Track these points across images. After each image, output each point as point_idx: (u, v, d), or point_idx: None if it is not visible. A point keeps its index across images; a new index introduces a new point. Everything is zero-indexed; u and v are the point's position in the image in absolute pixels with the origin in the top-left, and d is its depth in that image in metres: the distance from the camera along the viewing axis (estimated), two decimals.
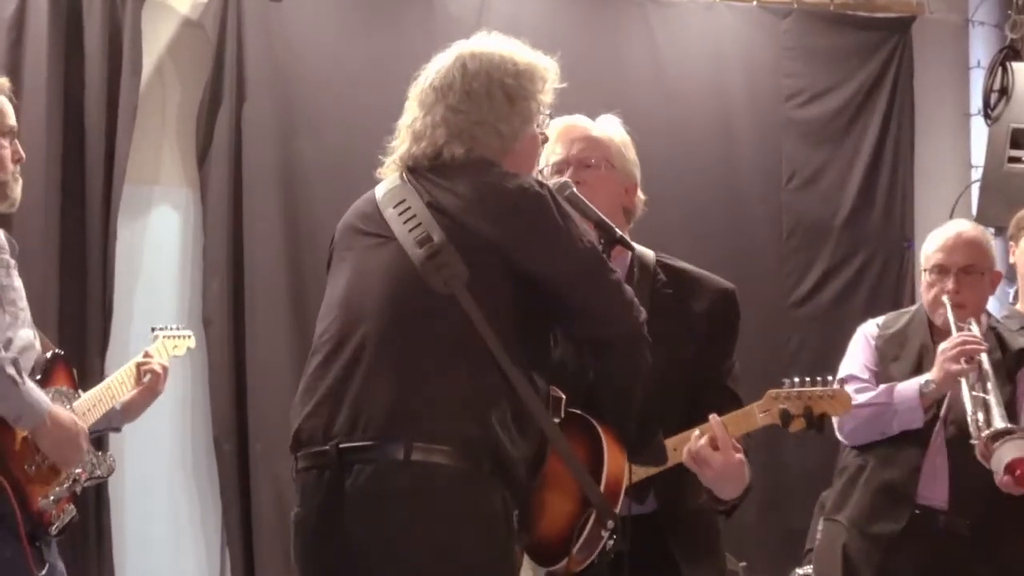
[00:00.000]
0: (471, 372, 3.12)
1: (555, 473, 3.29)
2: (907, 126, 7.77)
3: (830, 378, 3.63)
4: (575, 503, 3.31)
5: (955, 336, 4.49)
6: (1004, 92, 7.43)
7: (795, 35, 7.66)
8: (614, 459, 3.34)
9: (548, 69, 3.45)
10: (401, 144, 3.38)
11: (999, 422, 4.26)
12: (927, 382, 4.50)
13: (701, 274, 3.84)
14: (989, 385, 4.37)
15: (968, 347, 4.43)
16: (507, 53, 3.40)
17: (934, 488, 4.50)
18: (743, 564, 6.24)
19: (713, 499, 3.59)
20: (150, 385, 4.73)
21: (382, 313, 3.17)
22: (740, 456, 3.47)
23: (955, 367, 4.40)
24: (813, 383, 3.60)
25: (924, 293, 4.74)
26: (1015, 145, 7.29)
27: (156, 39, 6.58)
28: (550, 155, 3.74)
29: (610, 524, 3.26)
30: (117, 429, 4.85)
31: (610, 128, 3.87)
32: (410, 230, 3.21)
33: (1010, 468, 4.19)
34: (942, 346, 4.49)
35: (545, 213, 3.22)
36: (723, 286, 3.83)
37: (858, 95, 7.71)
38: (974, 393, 4.36)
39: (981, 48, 7.80)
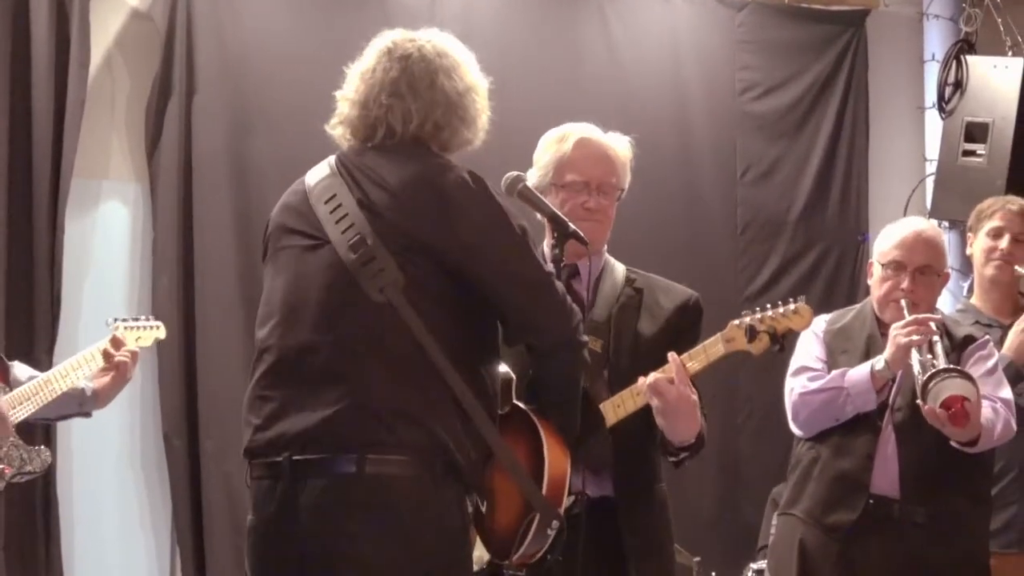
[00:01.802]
0: (416, 381, 3.12)
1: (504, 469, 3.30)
2: (862, 120, 7.79)
3: (791, 299, 3.74)
4: (523, 502, 3.31)
5: (908, 317, 4.49)
6: (958, 85, 7.44)
7: (750, 29, 7.67)
8: (556, 459, 3.35)
9: (483, 86, 3.40)
10: (346, 119, 3.35)
11: (942, 363, 4.29)
12: (880, 360, 4.49)
13: (667, 282, 3.93)
14: (940, 355, 4.39)
15: (921, 325, 4.43)
16: (452, 51, 3.38)
17: (886, 476, 4.50)
18: (697, 559, 6.23)
19: (665, 445, 3.71)
20: (120, 372, 4.72)
21: (322, 324, 3.17)
22: (695, 396, 3.59)
23: (906, 339, 4.40)
24: (774, 307, 3.72)
25: (874, 287, 4.72)
26: (969, 138, 7.30)
27: (104, 31, 6.51)
28: (564, 168, 3.77)
29: (554, 524, 3.27)
30: (87, 414, 4.88)
31: (622, 147, 3.98)
32: (343, 231, 3.19)
33: (945, 404, 4.20)
34: (895, 325, 4.49)
35: (475, 210, 3.20)
36: (688, 293, 3.91)
37: (813, 89, 7.73)
38: (922, 358, 4.37)
39: (935, 41, 7.82)
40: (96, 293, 6.48)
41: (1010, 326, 5.10)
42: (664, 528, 3.87)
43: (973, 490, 4.57)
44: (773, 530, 5.10)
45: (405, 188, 3.18)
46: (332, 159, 3.36)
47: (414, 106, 3.28)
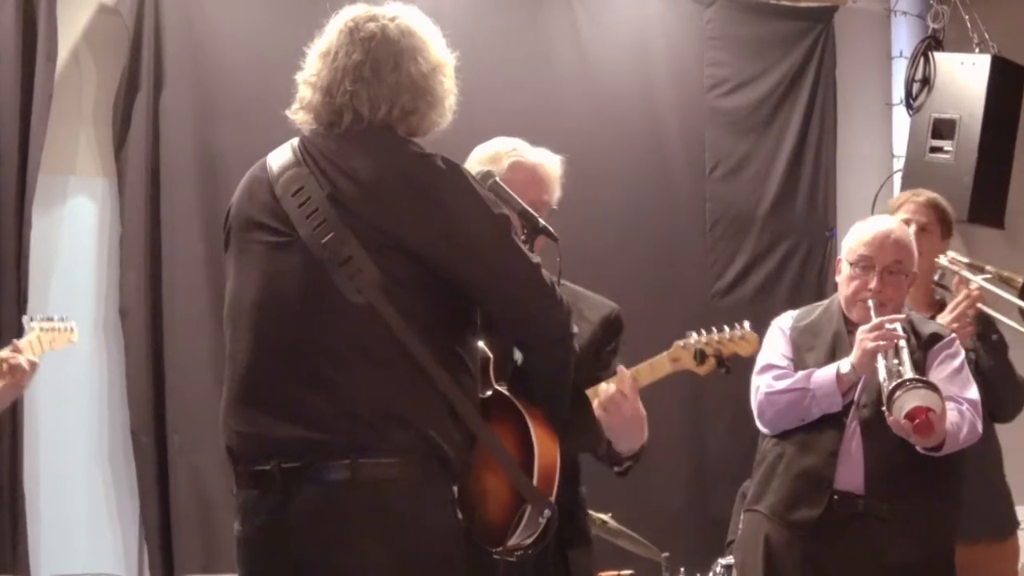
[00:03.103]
0: (402, 381, 3.08)
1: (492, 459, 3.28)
2: (830, 116, 7.82)
3: (737, 324, 3.87)
4: (513, 492, 3.28)
5: (875, 320, 4.50)
6: (926, 82, 7.49)
7: (719, 25, 7.69)
8: (545, 448, 3.33)
9: (449, 63, 3.32)
10: (309, 103, 3.26)
11: (908, 373, 4.30)
12: (846, 363, 4.50)
13: (590, 294, 3.96)
14: (905, 361, 4.39)
15: (887, 331, 4.45)
16: (417, 29, 3.29)
17: (851, 473, 4.51)
18: (666, 555, 6.24)
19: (611, 455, 3.76)
20: (15, 381, 4.60)
21: (303, 328, 3.10)
22: (643, 410, 3.66)
23: (873, 344, 4.41)
24: (720, 330, 3.86)
25: (842, 285, 4.73)
26: (937, 135, 7.35)
27: (72, 26, 6.47)
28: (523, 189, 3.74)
29: (547, 513, 3.24)
30: None
31: (553, 166, 3.93)
32: (314, 228, 3.11)
33: (911, 415, 4.23)
34: (861, 328, 4.50)
35: (453, 198, 3.13)
36: (611, 306, 3.95)
37: (781, 85, 7.75)
38: (888, 363, 4.39)
39: (903, 38, 7.86)
40: (63, 289, 6.44)
41: (931, 318, 5.11)
42: (584, 516, 3.94)
43: (939, 488, 4.58)
44: (740, 526, 5.11)
45: (378, 182, 3.11)
46: (295, 143, 3.27)
47: (380, 92, 3.19)
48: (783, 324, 4.82)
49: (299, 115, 3.29)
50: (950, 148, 7.31)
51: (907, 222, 5.27)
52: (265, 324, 3.15)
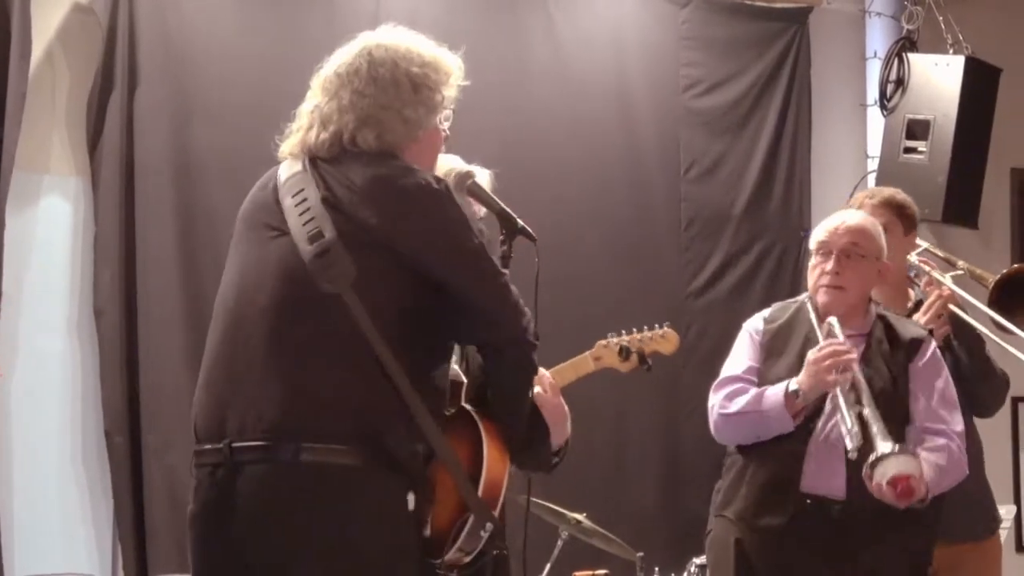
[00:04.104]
0: (358, 373, 3.16)
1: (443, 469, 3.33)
2: (804, 116, 7.84)
3: (657, 324, 4.18)
4: (460, 500, 3.34)
5: (824, 345, 4.48)
6: (900, 83, 7.51)
7: (694, 25, 7.70)
8: (494, 463, 3.39)
9: (453, 65, 3.49)
10: (308, 130, 3.39)
11: (881, 444, 4.24)
12: (795, 390, 4.48)
13: None
14: (864, 399, 4.37)
15: (839, 358, 4.43)
16: (414, 45, 3.44)
17: (830, 479, 4.47)
18: (640, 554, 6.24)
19: None
20: None
21: (271, 312, 3.22)
22: (566, 408, 3.77)
23: (828, 378, 4.40)
24: (640, 330, 4.19)
25: (809, 275, 4.74)
26: (911, 136, 7.38)
27: (46, 24, 6.44)
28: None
29: (488, 527, 3.31)
30: None
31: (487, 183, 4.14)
32: (303, 224, 3.24)
33: (891, 482, 4.21)
34: (811, 354, 4.47)
35: (437, 209, 3.26)
36: None
37: (756, 85, 7.77)
38: (849, 409, 4.35)
39: (878, 39, 7.88)
40: (37, 289, 6.41)
41: (908, 315, 5.12)
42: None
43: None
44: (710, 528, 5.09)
45: (367, 185, 3.24)
46: (305, 159, 3.39)
47: (383, 113, 3.35)
48: (753, 328, 4.79)
49: (298, 145, 3.43)
50: (924, 149, 7.34)
51: None
52: (237, 310, 3.28)
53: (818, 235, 4.74)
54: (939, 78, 7.38)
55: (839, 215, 4.81)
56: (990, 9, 8.07)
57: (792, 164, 7.79)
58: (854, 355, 4.47)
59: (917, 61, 7.48)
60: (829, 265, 4.63)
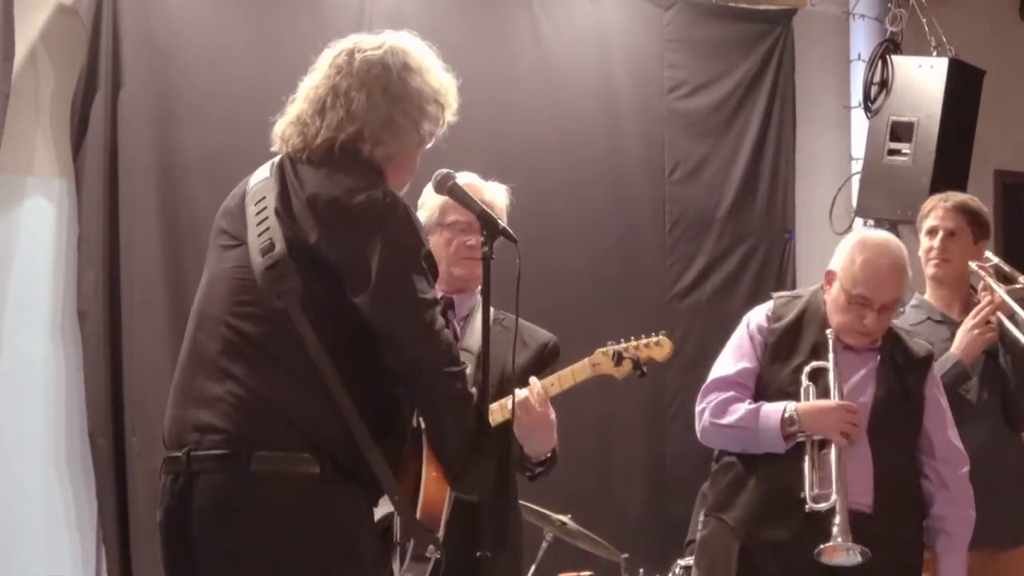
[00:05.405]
0: (301, 389, 3.17)
1: None
2: (788, 118, 7.84)
3: (653, 332, 4.20)
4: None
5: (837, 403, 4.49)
6: (884, 85, 7.52)
7: (678, 27, 7.70)
8: (432, 485, 3.36)
9: (451, 87, 3.50)
10: (307, 124, 3.35)
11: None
12: (790, 416, 4.45)
13: (531, 325, 4.27)
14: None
15: (851, 423, 4.45)
16: (434, 67, 3.47)
17: (856, 491, 4.42)
18: (625, 556, 6.25)
19: (523, 459, 4.08)
20: None
21: (222, 323, 3.24)
22: (553, 416, 3.98)
23: (835, 438, 4.44)
24: (637, 338, 4.22)
25: (834, 304, 4.59)
26: (895, 138, 7.38)
27: (29, 25, 6.43)
28: (448, 210, 4.10)
29: (431, 549, 3.28)
30: None
31: (500, 197, 4.22)
32: (259, 235, 3.26)
33: None
34: (828, 403, 4.47)
35: (379, 226, 3.21)
36: (549, 336, 4.31)
37: (740, 87, 7.77)
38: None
39: (862, 41, 7.89)
40: (20, 290, 6.40)
41: (961, 322, 5.13)
42: (519, 523, 4.33)
43: (913, 494, 4.59)
44: (700, 527, 5.06)
45: (314, 200, 3.24)
46: (276, 160, 3.39)
47: (346, 118, 3.32)
48: (756, 325, 4.68)
49: (277, 142, 3.42)
50: (908, 150, 7.34)
51: (935, 228, 5.29)
52: (198, 319, 3.32)
53: (858, 280, 4.53)
54: (923, 80, 7.39)
55: (875, 261, 4.57)
56: (973, 11, 8.09)
57: (776, 166, 7.80)
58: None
59: (901, 63, 7.49)
60: (868, 318, 4.52)
